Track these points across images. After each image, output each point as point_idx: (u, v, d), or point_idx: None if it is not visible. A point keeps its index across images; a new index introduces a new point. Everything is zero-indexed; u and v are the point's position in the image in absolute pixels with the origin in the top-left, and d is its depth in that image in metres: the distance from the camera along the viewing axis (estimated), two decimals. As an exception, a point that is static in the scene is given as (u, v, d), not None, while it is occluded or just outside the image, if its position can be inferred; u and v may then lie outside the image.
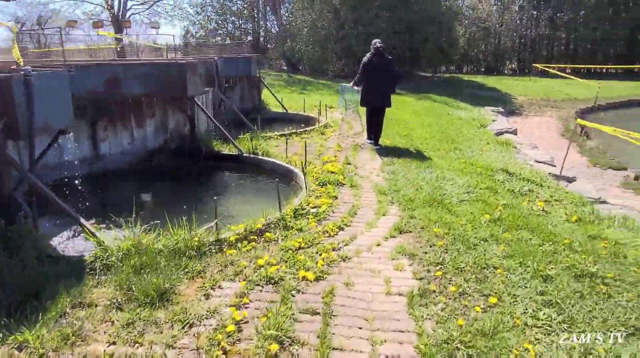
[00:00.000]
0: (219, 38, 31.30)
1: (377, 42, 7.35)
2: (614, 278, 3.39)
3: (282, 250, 3.69)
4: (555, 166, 8.05)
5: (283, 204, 4.44)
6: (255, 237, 3.92)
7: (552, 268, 3.46)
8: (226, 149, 7.03)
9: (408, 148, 7.59)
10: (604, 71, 31.18)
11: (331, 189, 5.14)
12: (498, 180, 5.89)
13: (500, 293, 3.08)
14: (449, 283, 3.19)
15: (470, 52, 32.67)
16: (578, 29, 31.74)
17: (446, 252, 3.67)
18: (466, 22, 30.03)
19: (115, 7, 26.88)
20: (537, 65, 28.05)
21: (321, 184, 5.32)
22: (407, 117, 10.79)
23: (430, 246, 3.78)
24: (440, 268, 3.41)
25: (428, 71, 25.84)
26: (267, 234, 3.97)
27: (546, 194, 5.55)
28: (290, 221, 4.23)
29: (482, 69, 33.39)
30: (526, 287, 3.18)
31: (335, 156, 6.76)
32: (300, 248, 3.74)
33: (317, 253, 3.65)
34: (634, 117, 18.21)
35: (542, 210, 4.90)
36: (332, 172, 5.82)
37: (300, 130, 8.64)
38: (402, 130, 9.15)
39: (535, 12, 31.97)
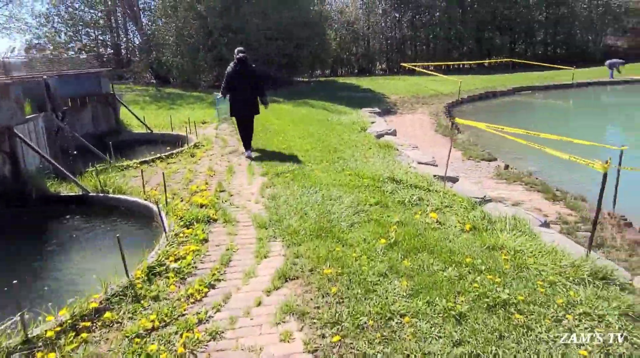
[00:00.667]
0: (71, 52, 27.88)
1: (239, 51, 7.33)
2: (526, 301, 3.01)
3: (127, 337, 2.67)
4: (437, 165, 8.01)
5: (136, 260, 3.39)
6: (89, 323, 2.83)
7: (462, 301, 2.97)
8: (67, 189, 5.62)
9: (289, 162, 6.90)
10: (461, 66, 34.22)
11: (200, 230, 4.19)
12: (387, 191, 5.46)
13: (414, 354, 2.46)
14: (351, 353, 2.49)
15: (342, 55, 33.54)
16: (435, 29, 34.44)
17: (342, 302, 2.98)
18: (336, 26, 30.71)
19: None
20: (404, 64, 29.71)
21: (187, 224, 4.34)
22: (287, 127, 10.16)
23: (323, 297, 3.05)
24: (338, 328, 2.70)
25: (305, 76, 25.77)
26: (107, 314, 2.90)
27: (436, 201, 5.24)
28: (141, 288, 3.20)
29: (356, 71, 34.53)
30: (440, 337, 2.61)
31: (207, 183, 5.79)
32: (153, 329, 2.76)
33: (176, 333, 2.71)
34: (492, 108, 20.01)
35: (436, 222, 4.53)
36: (202, 205, 4.86)
37: (166, 154, 7.46)
38: (281, 142, 8.47)
39: (397, 15, 33.93)
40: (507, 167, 9.78)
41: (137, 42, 27.66)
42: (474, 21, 33.81)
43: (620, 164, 6.60)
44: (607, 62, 25.25)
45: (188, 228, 4.24)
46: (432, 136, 13.35)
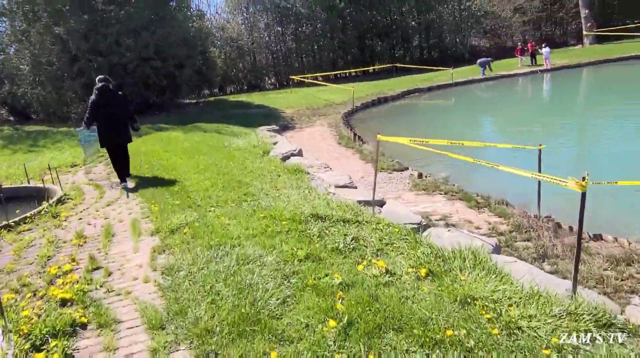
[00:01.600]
0: None
1: (99, 80, 7.00)
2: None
3: None
4: (356, 187, 7.24)
5: None
6: None
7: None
8: None
9: (186, 210, 5.56)
10: (347, 74, 34.87)
11: (58, 352, 2.77)
12: (314, 235, 4.45)
13: None
14: None
15: (229, 72, 32.22)
16: (319, 40, 34.71)
17: None
18: (219, 43, 29.30)
19: None
20: (293, 77, 29.30)
21: (37, 345, 2.87)
22: (178, 161, 8.69)
23: None
24: None
25: (192, 97, 23.95)
26: None
27: (374, 239, 4.36)
28: None
29: (245, 87, 33.40)
30: None
31: (74, 260, 4.25)
32: None
33: None
34: (386, 113, 20.25)
35: (386, 272, 3.62)
36: (65, 302, 3.39)
37: (17, 219, 5.63)
38: (174, 182, 7.05)
39: (280, 29, 33.53)
40: (420, 176, 9.41)
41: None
42: (355, 30, 34.71)
43: (540, 161, 6.39)
44: (478, 61, 27.26)
45: (39, 352, 2.78)
46: (337, 149, 12.73)
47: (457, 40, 38.47)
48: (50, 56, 18.23)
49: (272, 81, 36.08)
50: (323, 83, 28.68)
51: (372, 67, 35.38)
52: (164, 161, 8.41)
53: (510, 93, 24.23)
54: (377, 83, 28.22)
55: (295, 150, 9.69)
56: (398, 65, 31.60)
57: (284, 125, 17.21)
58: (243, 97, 25.87)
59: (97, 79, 7.01)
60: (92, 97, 6.90)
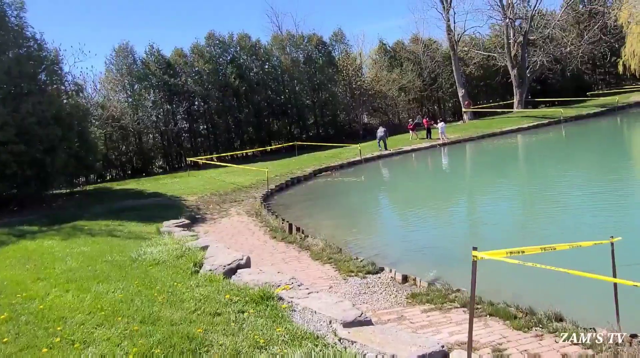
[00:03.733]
0: None
1: None
2: None
3: None
4: (370, 321, 4.79)
5: None
6: None
7: None
8: None
9: None
10: (245, 154, 32.93)
11: None
12: None
13: None
14: None
15: (111, 155, 28.08)
16: (213, 119, 32.65)
17: None
18: (97, 122, 25.41)
19: None
20: (190, 159, 26.43)
21: None
22: (63, 301, 5.32)
23: None
24: None
25: (62, 187, 19.38)
26: None
27: None
28: None
29: (129, 172, 29.30)
30: None
31: None
32: None
33: None
34: (306, 196, 18.36)
35: None
36: None
37: None
38: (67, 351, 3.90)
39: (170, 107, 30.77)
40: (405, 279, 7.42)
41: None
42: (251, 109, 33.49)
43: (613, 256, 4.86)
44: (378, 136, 27.37)
45: None
46: (275, 246, 10.19)
47: (350, 117, 39.50)
48: None
49: (161, 163, 32.52)
50: (223, 164, 26.25)
51: (270, 147, 34.09)
52: (39, 305, 5.07)
53: (421, 167, 24.50)
54: (282, 162, 26.62)
55: (241, 259, 6.97)
56: (299, 143, 30.63)
57: (192, 216, 14.21)
58: (131, 185, 22.11)
59: None
60: None
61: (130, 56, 30.91)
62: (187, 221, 12.62)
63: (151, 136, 30.65)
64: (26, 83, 16.46)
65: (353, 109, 38.33)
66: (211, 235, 11.57)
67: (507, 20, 35.83)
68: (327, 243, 9.51)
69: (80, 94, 20.64)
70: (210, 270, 6.62)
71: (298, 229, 11.07)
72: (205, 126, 33.29)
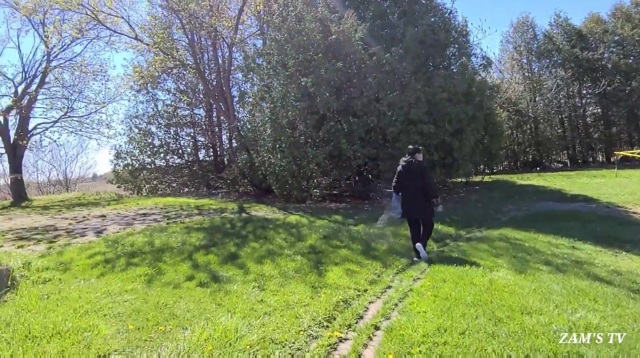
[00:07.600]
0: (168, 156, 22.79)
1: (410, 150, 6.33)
2: None
3: None
4: None
5: None
6: None
7: None
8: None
9: None
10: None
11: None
12: None
13: None
14: None
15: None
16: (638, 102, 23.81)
17: None
18: (496, 105, 22.00)
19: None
20: (618, 153, 19.39)
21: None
22: None
23: None
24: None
25: (461, 176, 16.68)
26: None
27: None
28: None
29: (518, 165, 24.84)
30: None
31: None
32: None
33: None
34: None
35: None
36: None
37: None
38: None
39: (578, 87, 24.20)
40: None
41: (233, 143, 21.66)
42: None
43: None
44: None
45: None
46: None
47: None
48: (292, 115, 13.95)
49: (558, 157, 26.48)
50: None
51: None
52: None
53: None
54: None
55: None
56: None
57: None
58: (534, 180, 17.50)
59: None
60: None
61: (531, 30, 26.20)
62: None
63: (550, 123, 25.06)
64: (438, 55, 14.37)
65: None
66: None
67: None
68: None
69: (489, 70, 17.45)
70: None
71: None
72: (625, 112, 24.84)
